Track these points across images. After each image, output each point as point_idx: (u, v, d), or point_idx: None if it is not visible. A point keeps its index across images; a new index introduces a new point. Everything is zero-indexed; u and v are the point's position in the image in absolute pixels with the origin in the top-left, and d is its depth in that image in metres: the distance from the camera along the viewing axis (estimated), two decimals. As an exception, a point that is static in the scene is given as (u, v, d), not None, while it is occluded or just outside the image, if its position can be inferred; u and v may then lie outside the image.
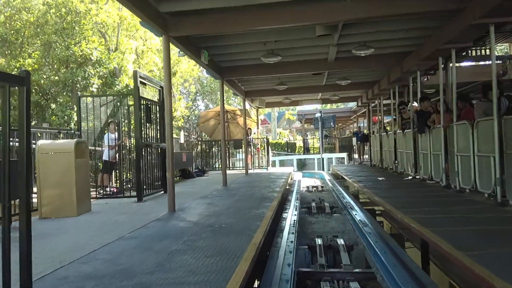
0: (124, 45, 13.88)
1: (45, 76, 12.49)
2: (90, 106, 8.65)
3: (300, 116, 30.22)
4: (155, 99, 9.30)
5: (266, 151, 18.29)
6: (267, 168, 17.28)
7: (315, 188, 12.10)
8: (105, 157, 9.40)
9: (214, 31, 7.36)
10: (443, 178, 7.97)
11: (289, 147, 30.83)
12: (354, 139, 19.74)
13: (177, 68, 19.28)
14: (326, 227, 6.70)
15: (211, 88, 25.97)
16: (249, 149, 16.96)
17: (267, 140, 18.79)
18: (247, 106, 23.47)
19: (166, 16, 6.69)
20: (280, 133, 42.98)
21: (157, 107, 9.44)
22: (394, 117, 14.53)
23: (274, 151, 28.66)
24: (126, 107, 8.71)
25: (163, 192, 9.34)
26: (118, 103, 9.17)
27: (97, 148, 8.54)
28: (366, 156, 19.71)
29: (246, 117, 16.32)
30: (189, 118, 23.42)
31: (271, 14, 6.61)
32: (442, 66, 8.30)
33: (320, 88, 15.25)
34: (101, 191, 9.23)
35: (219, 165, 17.59)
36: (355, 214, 7.27)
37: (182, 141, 15.69)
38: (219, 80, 11.16)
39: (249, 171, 15.64)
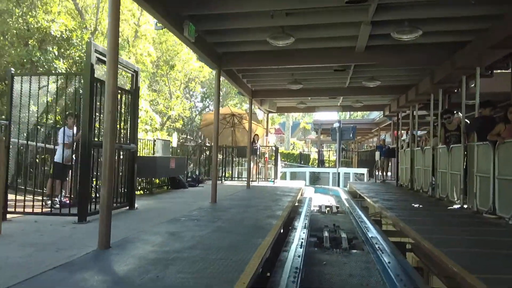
0: (104, 25, 11.43)
1: (6, 56, 10.19)
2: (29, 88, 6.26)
3: (317, 126, 27.98)
4: (127, 86, 7.09)
5: (274, 161, 15.89)
6: (274, 181, 14.87)
7: (328, 209, 10.12)
8: (57, 158, 7.16)
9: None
10: (515, 215, 5.60)
11: (303, 159, 28.39)
12: (377, 154, 17.12)
13: (177, 60, 16.85)
14: (342, 273, 4.76)
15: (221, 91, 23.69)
16: (255, 158, 14.61)
17: (276, 149, 16.38)
18: (257, 111, 21.25)
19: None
20: (294, 143, 40.55)
21: (129, 96, 7.23)
22: (427, 131, 12.10)
23: (286, 162, 26.25)
24: (74, 91, 6.37)
25: (128, 207, 7.10)
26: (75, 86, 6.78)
27: (30, 143, 6.26)
28: (389, 174, 17.19)
29: (253, 122, 14.00)
30: (192, 120, 21.13)
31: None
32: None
33: (342, 91, 12.80)
34: (49, 202, 6.99)
35: (222, 174, 15.28)
36: (389, 263, 4.84)
37: (175, 144, 13.38)
38: (215, 70, 8.83)
39: (253, 184, 13.36)
